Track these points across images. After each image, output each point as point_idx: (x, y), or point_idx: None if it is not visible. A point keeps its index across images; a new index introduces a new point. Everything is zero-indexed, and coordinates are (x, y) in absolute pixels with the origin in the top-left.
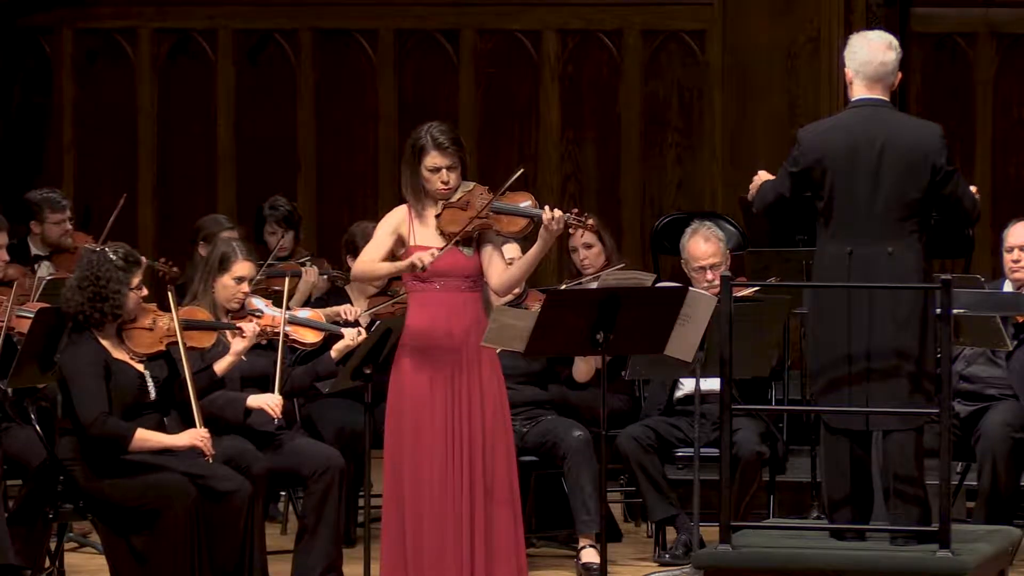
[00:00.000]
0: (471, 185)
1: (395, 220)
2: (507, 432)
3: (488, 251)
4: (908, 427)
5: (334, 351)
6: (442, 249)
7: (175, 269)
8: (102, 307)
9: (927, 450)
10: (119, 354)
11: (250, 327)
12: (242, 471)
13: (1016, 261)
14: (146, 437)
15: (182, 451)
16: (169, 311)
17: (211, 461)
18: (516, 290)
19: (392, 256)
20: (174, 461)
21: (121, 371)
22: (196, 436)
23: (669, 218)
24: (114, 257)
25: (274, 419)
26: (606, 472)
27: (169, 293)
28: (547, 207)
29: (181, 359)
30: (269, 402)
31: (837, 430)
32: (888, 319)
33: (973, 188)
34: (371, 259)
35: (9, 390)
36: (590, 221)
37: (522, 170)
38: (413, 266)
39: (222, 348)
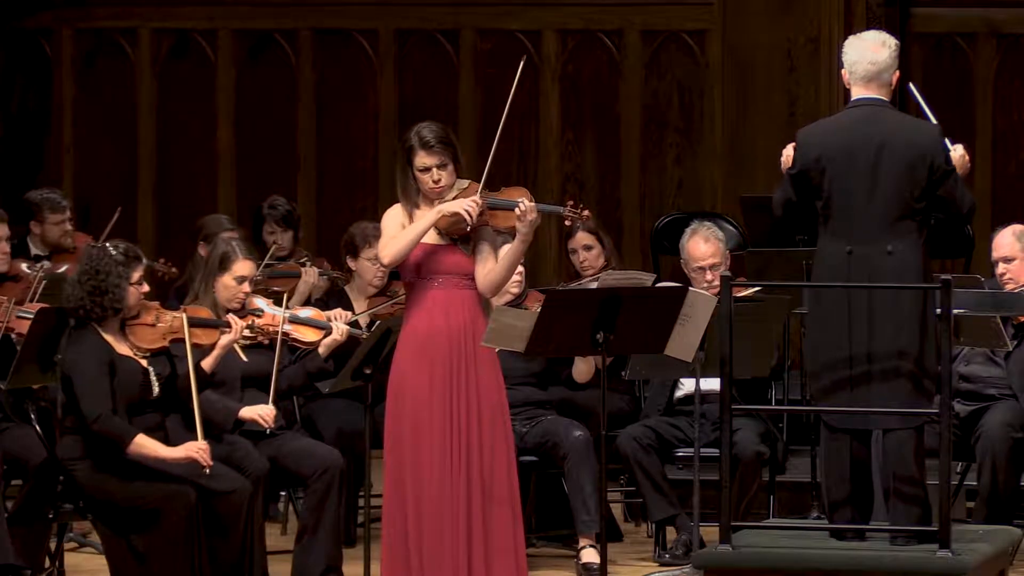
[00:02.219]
0: (466, 183)
1: (398, 214)
2: (507, 432)
3: (482, 249)
4: (908, 426)
5: (322, 347)
6: (484, 198)
7: (174, 270)
8: (102, 301)
9: (927, 450)
10: (122, 349)
11: (239, 322)
12: (242, 471)
13: (1003, 273)
14: (144, 444)
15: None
16: (171, 310)
17: (208, 472)
18: (515, 290)
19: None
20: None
21: (125, 366)
22: (193, 449)
23: (669, 218)
24: (114, 252)
25: (266, 429)
26: (606, 472)
27: (184, 315)
28: (521, 201)
29: (186, 357)
30: (261, 412)
31: (838, 430)
32: (888, 318)
33: (959, 149)
34: (395, 233)
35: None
36: (585, 212)
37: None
38: (460, 217)
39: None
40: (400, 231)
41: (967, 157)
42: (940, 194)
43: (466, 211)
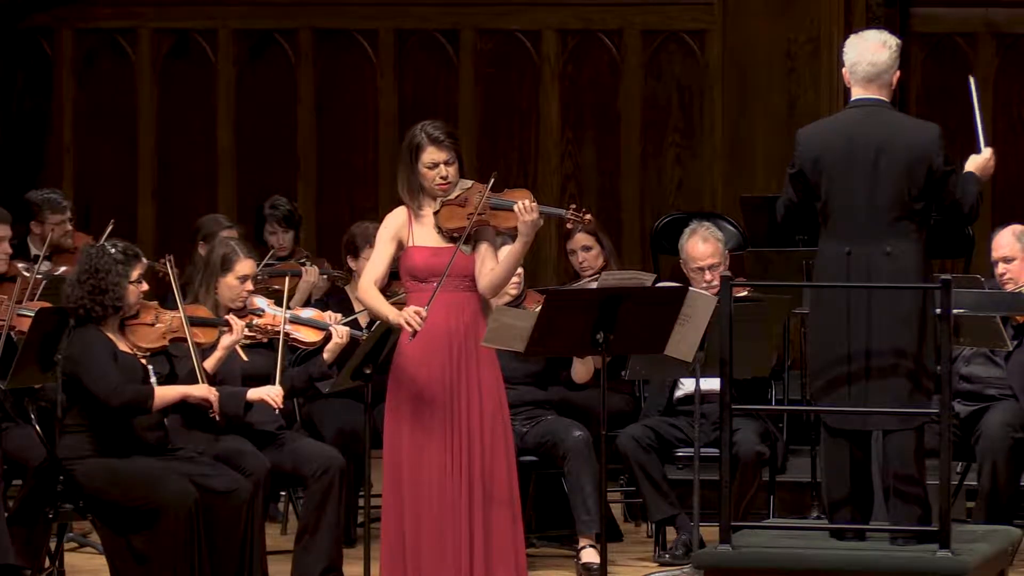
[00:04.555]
0: (469, 183)
1: (394, 224)
2: (507, 432)
3: (482, 249)
4: (908, 427)
5: (326, 352)
6: (431, 298)
7: (175, 270)
8: (102, 299)
9: (927, 450)
10: (123, 347)
11: (239, 323)
12: (242, 471)
13: (1003, 274)
14: (164, 393)
15: (192, 423)
16: (170, 310)
17: (217, 418)
18: (513, 291)
19: (394, 260)
20: (175, 461)
21: (126, 362)
22: (210, 390)
23: (669, 218)
24: (113, 251)
25: (275, 409)
26: (606, 472)
27: (172, 282)
28: (521, 201)
29: (188, 354)
30: (270, 393)
31: (837, 431)
32: (887, 319)
33: (987, 153)
34: (374, 280)
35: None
36: (587, 216)
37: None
38: (404, 327)
39: None
40: (390, 249)
41: (992, 161)
42: (942, 194)
43: (407, 323)
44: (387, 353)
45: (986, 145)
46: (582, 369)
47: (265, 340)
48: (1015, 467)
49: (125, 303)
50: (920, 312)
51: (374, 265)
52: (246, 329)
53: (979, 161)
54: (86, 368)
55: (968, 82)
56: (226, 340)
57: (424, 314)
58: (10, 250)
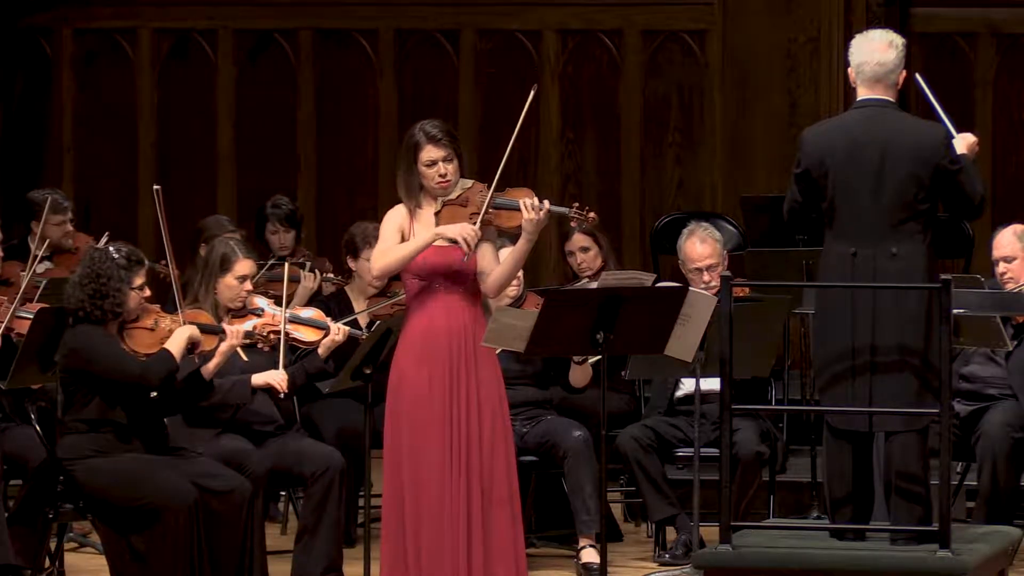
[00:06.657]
0: (470, 183)
1: (397, 219)
2: (507, 432)
3: (484, 249)
4: (912, 428)
5: (320, 348)
6: (478, 223)
7: (176, 271)
8: (102, 304)
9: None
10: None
11: (233, 329)
12: (242, 471)
13: (1003, 273)
14: (174, 344)
15: (191, 434)
16: (171, 313)
17: (201, 351)
18: (513, 293)
19: None
20: (175, 461)
21: None
22: (195, 331)
23: (669, 218)
24: (116, 256)
25: (280, 394)
26: (606, 472)
27: (174, 286)
28: (527, 200)
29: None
30: (275, 378)
31: (840, 432)
32: (893, 320)
33: (966, 135)
34: (390, 246)
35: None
36: (591, 214)
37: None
38: (462, 245)
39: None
40: (396, 240)
41: (974, 143)
42: (953, 192)
43: (464, 240)
44: (387, 353)
45: (958, 131)
46: (579, 375)
47: (267, 349)
48: (1015, 467)
49: (125, 309)
50: (926, 313)
51: (384, 243)
52: (244, 335)
53: (965, 143)
54: (101, 360)
55: (916, 80)
56: (223, 346)
57: (480, 234)
58: (1, 252)
